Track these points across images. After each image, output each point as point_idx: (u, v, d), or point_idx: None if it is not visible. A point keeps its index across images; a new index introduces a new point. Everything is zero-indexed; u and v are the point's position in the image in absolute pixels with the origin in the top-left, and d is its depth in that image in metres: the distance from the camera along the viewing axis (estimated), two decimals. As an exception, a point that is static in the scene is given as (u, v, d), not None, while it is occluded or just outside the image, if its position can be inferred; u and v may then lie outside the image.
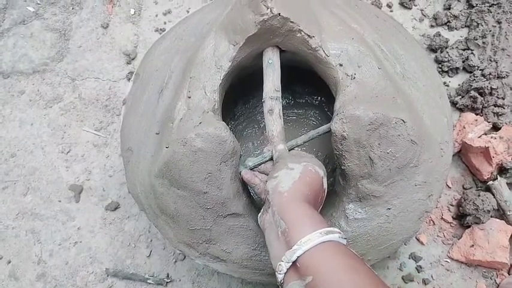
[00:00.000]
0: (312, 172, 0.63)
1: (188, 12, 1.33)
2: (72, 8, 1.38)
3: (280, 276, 0.53)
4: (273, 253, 0.56)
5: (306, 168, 0.62)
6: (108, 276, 1.07)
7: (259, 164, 0.74)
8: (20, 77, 1.30)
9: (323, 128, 0.73)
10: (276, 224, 0.56)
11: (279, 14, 0.71)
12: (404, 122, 0.68)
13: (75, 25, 1.36)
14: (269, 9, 0.71)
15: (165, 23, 1.33)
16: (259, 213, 0.63)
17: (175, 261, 1.07)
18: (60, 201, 1.16)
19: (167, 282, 1.05)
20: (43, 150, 1.21)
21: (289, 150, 0.73)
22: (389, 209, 0.73)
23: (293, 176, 0.60)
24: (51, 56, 1.32)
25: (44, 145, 1.22)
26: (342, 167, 0.70)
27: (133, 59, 1.29)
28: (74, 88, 1.28)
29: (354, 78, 0.72)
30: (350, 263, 0.49)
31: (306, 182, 0.61)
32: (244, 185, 0.74)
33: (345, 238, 0.54)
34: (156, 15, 1.34)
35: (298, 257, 0.50)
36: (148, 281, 1.05)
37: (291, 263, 0.51)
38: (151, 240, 1.09)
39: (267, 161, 0.73)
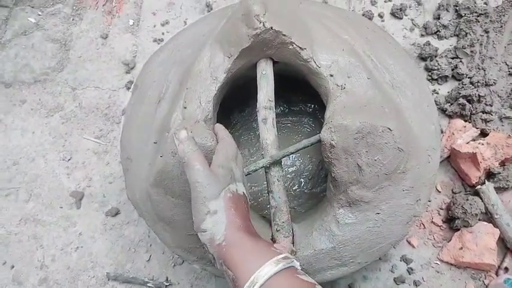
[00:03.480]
0: (233, 197, 0.59)
1: (185, 23, 1.37)
2: (73, 19, 1.41)
3: None
4: None
5: (226, 198, 0.58)
6: (108, 280, 1.10)
7: (254, 171, 0.77)
8: (22, 87, 1.34)
9: (315, 138, 0.76)
10: (226, 274, 0.55)
11: (272, 27, 0.74)
12: (390, 130, 0.71)
13: (75, 36, 1.39)
14: (262, 23, 0.74)
15: (163, 33, 1.37)
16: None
17: (174, 265, 1.10)
18: (61, 207, 1.19)
19: (166, 285, 1.08)
20: (44, 158, 1.25)
21: (282, 157, 0.76)
22: (378, 213, 0.76)
23: (221, 220, 0.56)
24: (51, 66, 1.36)
25: (45, 153, 1.25)
26: (332, 174, 0.73)
27: (132, 68, 1.33)
28: (75, 97, 1.31)
29: (344, 88, 0.75)
30: None
31: (234, 215, 0.58)
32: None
33: (293, 260, 0.55)
34: (154, 26, 1.38)
35: None
36: (148, 285, 1.08)
37: None
38: (150, 245, 1.12)
39: (261, 167, 0.76)
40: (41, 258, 1.14)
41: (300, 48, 0.77)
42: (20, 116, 1.30)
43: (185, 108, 0.76)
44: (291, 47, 0.78)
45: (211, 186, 0.57)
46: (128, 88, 1.29)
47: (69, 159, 1.24)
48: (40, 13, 1.42)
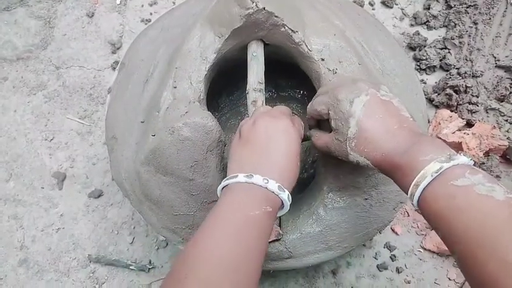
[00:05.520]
0: (376, 104, 0.58)
1: (174, 3, 1.34)
2: (57, -4, 1.38)
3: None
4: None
5: (367, 109, 0.58)
6: (90, 262, 1.09)
7: None
8: (4, 64, 1.30)
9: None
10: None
11: (264, 8, 0.73)
12: (381, 115, 0.71)
13: (60, 13, 1.36)
14: (254, 4, 0.73)
15: (150, 13, 1.34)
16: None
17: (158, 248, 1.09)
18: (43, 188, 1.16)
19: (149, 268, 1.07)
20: (26, 137, 1.22)
21: None
22: (366, 199, 0.76)
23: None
24: (35, 44, 1.32)
25: (27, 132, 1.22)
26: (325, 158, 0.73)
27: (118, 48, 1.30)
28: (58, 76, 1.28)
29: (336, 73, 0.75)
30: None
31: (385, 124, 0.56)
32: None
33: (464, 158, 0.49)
34: (142, 6, 1.35)
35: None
36: (130, 267, 1.06)
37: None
38: (134, 228, 1.11)
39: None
40: (21, 239, 1.12)
41: (292, 31, 0.77)
42: (1, 93, 1.27)
43: (175, 87, 0.75)
44: (282, 29, 0.77)
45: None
46: (114, 68, 1.27)
47: (51, 139, 1.21)
48: (24, -12, 1.38)
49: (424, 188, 0.48)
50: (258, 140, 0.60)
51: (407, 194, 0.51)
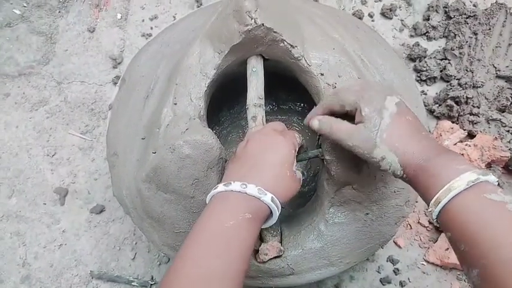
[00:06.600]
0: (402, 113, 0.58)
1: (175, 18, 1.35)
2: (59, 12, 1.38)
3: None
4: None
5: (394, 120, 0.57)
6: (92, 278, 1.08)
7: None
8: (6, 80, 1.31)
9: (313, 152, 0.74)
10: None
11: (263, 24, 0.73)
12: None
13: (62, 29, 1.37)
14: (253, 20, 0.73)
15: (151, 28, 1.35)
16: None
17: (160, 264, 1.09)
18: (45, 204, 1.16)
19: (151, 284, 1.06)
20: (28, 153, 1.22)
21: None
22: (367, 214, 0.76)
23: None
24: (37, 59, 1.33)
25: (29, 148, 1.22)
26: (332, 173, 0.72)
27: (119, 63, 1.31)
28: (60, 91, 1.29)
29: (335, 87, 0.75)
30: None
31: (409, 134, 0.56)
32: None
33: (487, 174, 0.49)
34: (143, 20, 1.36)
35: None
36: (132, 284, 1.06)
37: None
38: (136, 243, 1.11)
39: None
40: (23, 256, 1.12)
41: (291, 46, 0.77)
42: (3, 109, 1.27)
43: (175, 104, 0.75)
44: (282, 44, 0.77)
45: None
46: (115, 83, 1.27)
47: (53, 155, 1.21)
48: (25, 5, 1.39)
49: (453, 196, 0.47)
50: (248, 156, 0.62)
51: (429, 201, 0.51)
